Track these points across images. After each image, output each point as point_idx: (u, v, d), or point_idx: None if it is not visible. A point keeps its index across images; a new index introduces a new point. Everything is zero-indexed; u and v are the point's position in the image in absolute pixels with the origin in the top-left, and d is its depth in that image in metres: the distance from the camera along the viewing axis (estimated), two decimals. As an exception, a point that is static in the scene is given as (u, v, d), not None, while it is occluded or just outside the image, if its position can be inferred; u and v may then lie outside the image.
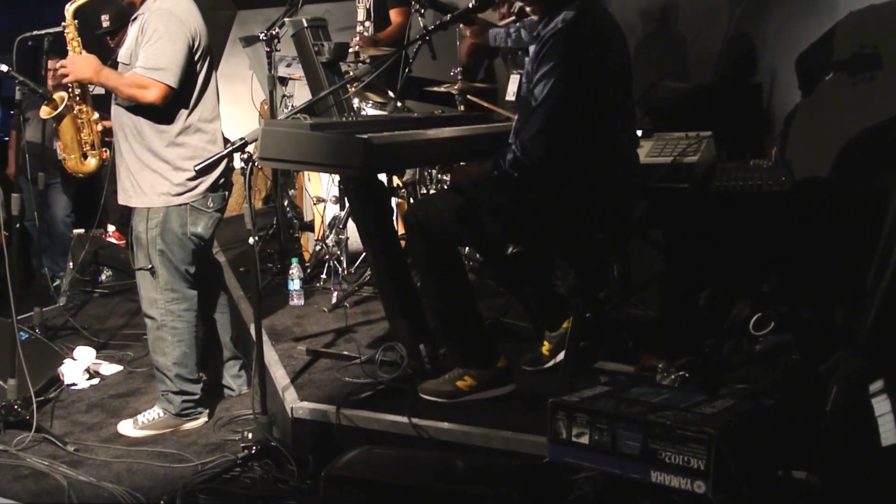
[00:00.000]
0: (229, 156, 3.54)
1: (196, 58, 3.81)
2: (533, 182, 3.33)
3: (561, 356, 3.64)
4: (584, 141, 3.29)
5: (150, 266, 3.89)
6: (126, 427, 4.07)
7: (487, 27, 4.33)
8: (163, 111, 3.78)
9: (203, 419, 4.08)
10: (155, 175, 3.82)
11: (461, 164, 3.84)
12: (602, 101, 3.31)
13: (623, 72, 3.42)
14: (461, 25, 4.57)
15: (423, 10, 4.42)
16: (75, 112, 4.15)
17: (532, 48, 3.37)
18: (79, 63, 3.87)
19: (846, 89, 4.22)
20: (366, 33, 6.08)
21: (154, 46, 3.70)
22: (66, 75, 3.91)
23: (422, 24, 4.49)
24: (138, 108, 3.78)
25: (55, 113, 4.17)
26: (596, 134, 3.32)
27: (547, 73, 3.24)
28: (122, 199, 3.94)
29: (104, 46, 5.51)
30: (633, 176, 3.54)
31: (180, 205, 3.85)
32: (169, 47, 3.70)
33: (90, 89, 4.15)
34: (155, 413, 4.06)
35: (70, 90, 4.10)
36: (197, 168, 3.50)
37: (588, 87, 3.26)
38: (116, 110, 3.87)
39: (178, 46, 3.72)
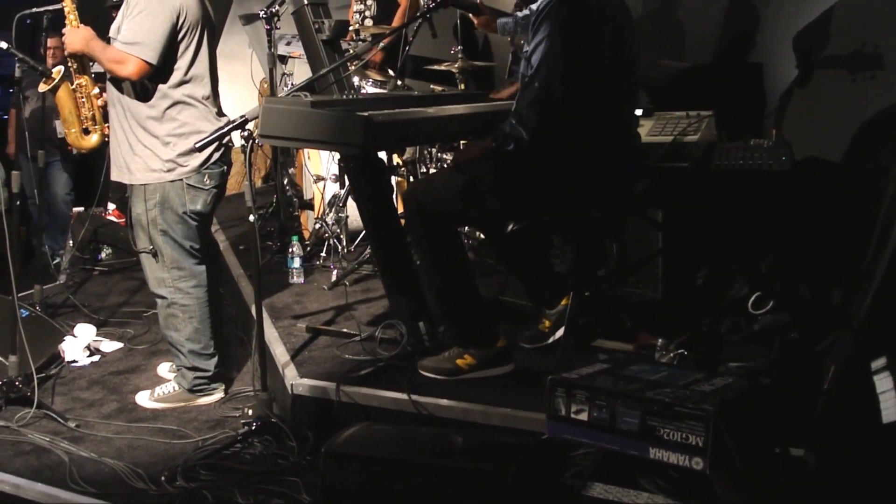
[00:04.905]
0: (229, 133, 3.54)
1: (182, 33, 3.74)
2: (529, 156, 3.32)
3: (560, 333, 3.65)
4: (581, 114, 3.29)
5: (151, 248, 3.87)
6: (143, 398, 4.11)
7: (496, 16, 4.29)
8: (149, 86, 3.75)
9: (218, 395, 4.08)
10: (146, 151, 3.79)
11: (463, 145, 3.82)
12: (599, 74, 3.29)
13: (624, 47, 3.39)
14: (469, 15, 4.52)
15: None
16: (74, 86, 4.14)
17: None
18: (71, 35, 3.86)
19: (845, 68, 4.22)
20: (367, 12, 6.04)
21: (134, 21, 3.66)
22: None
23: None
24: (127, 82, 3.75)
25: (51, 85, 4.16)
26: (593, 108, 3.31)
27: (541, 40, 3.23)
28: (115, 175, 3.91)
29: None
30: (634, 154, 3.53)
31: (175, 181, 3.80)
32: (148, 21, 3.64)
33: (90, 64, 4.13)
34: (171, 387, 4.09)
35: (69, 63, 4.09)
36: (198, 145, 3.50)
37: (583, 58, 3.24)
38: (110, 85, 3.85)
39: (159, 21, 3.65)
